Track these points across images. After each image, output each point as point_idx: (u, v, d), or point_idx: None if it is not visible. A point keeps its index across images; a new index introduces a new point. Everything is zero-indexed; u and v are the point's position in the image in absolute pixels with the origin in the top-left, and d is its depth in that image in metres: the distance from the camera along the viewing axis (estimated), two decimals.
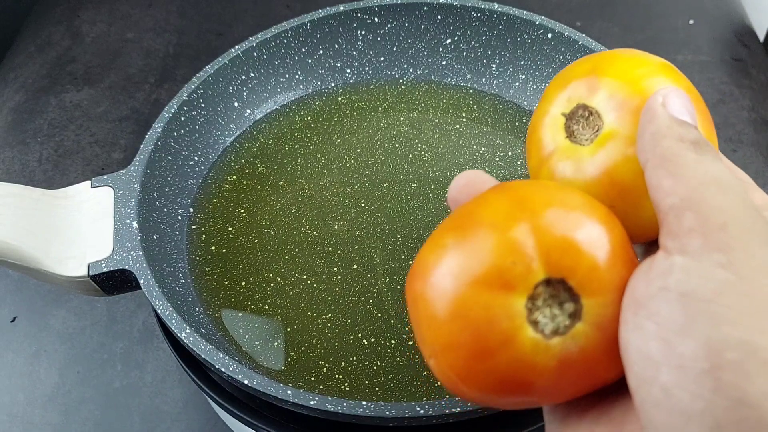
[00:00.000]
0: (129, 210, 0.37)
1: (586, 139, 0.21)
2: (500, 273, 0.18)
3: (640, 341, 0.17)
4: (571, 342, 0.18)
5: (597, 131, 0.21)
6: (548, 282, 0.18)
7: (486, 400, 0.19)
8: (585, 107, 0.22)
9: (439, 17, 0.47)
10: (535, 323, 0.18)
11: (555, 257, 0.18)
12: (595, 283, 0.18)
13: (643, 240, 0.22)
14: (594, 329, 0.18)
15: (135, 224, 0.36)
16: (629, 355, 0.17)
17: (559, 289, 0.18)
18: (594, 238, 0.18)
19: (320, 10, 0.46)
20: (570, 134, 0.22)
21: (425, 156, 0.44)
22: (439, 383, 0.34)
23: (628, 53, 0.22)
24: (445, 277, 0.19)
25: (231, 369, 0.30)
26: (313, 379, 0.34)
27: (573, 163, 0.22)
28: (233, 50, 0.45)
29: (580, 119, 0.22)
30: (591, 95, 0.21)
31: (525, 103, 0.46)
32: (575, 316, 0.18)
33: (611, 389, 0.20)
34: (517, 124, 0.45)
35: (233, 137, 0.45)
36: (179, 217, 0.41)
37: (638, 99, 0.21)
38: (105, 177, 0.38)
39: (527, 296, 0.18)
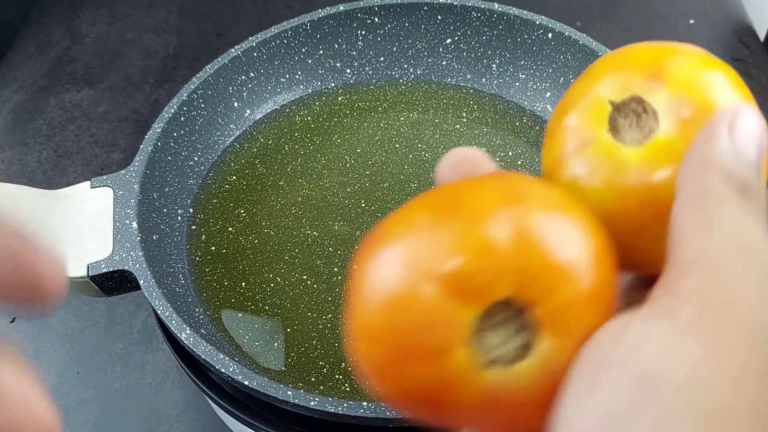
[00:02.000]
0: (129, 210, 0.37)
1: (632, 140, 0.18)
2: (462, 276, 0.15)
3: (581, 408, 0.15)
4: (509, 377, 0.16)
5: (648, 134, 0.18)
6: (508, 303, 0.16)
7: (389, 402, 0.17)
8: (641, 101, 0.18)
9: (439, 17, 0.47)
10: (477, 343, 0.16)
11: (529, 278, 0.15)
12: (561, 322, 0.16)
13: (651, 272, 0.18)
14: (538, 371, 0.16)
15: (135, 225, 0.36)
16: (563, 418, 0.15)
17: (518, 314, 0.16)
18: (580, 271, 0.16)
19: (320, 10, 0.46)
20: (613, 128, 0.18)
21: (425, 156, 0.44)
22: None
23: (701, 54, 0.19)
24: (400, 257, 0.16)
25: (231, 370, 0.30)
26: (313, 379, 0.34)
27: (611, 164, 0.18)
28: (233, 50, 0.45)
29: (630, 113, 0.18)
30: (651, 90, 0.18)
31: (525, 103, 0.46)
32: (524, 349, 0.16)
33: None
34: (517, 124, 0.45)
35: (233, 137, 0.45)
36: (179, 218, 0.41)
37: (707, 112, 0.17)
38: (105, 177, 0.38)
39: (481, 311, 0.15)
